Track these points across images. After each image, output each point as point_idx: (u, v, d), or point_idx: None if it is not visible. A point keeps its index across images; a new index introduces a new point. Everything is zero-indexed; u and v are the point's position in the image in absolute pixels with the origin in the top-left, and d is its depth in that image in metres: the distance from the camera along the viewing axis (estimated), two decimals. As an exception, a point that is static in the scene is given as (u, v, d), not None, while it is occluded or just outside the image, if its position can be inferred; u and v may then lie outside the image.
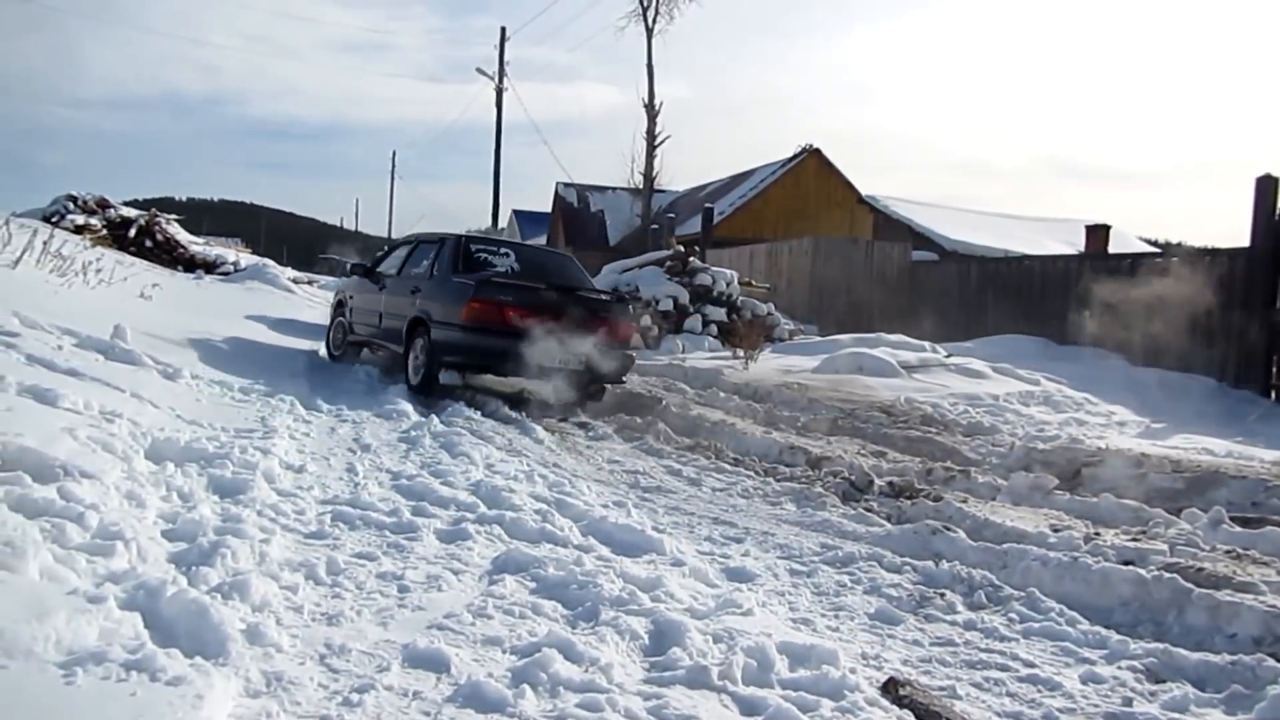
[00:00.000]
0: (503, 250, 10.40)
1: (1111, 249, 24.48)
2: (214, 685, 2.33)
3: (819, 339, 16.33)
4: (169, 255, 28.82)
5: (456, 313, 8.96)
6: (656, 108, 32.35)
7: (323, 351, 11.89)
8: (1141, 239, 29.61)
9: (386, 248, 12.88)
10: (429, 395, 8.93)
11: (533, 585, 3.56)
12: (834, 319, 19.18)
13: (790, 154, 35.00)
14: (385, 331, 10.39)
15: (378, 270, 11.31)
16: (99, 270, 12.53)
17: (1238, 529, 5.28)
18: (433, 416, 7.23)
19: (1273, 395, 12.02)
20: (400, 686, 2.62)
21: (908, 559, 4.53)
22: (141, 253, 27.53)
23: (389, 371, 10.28)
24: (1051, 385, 11.61)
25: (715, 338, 16.08)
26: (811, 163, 34.19)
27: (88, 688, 2.20)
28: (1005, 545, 4.66)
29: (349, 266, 12.51)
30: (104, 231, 27.69)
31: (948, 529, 4.94)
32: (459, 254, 9.82)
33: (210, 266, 29.07)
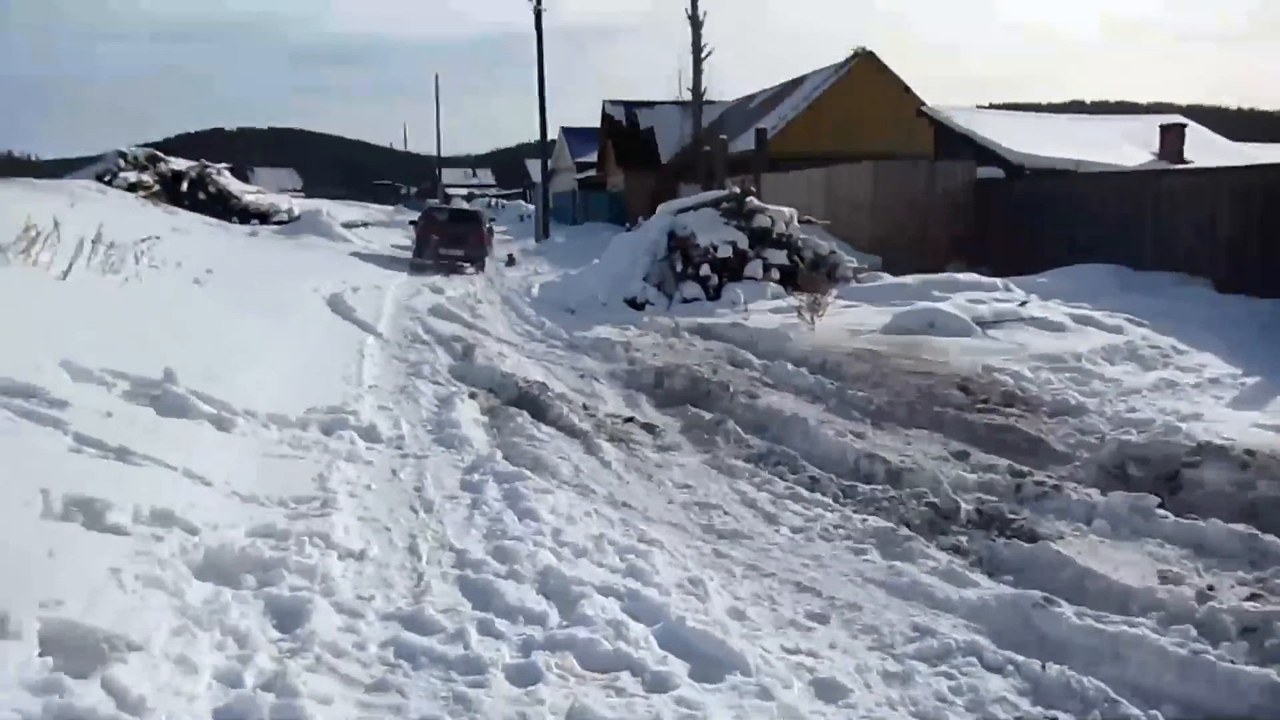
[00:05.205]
0: (450, 204, 30.45)
1: (1189, 149, 23.24)
2: None
3: (885, 278, 15.73)
4: (223, 206, 28.86)
5: (418, 229, 24.08)
6: (701, 19, 31.05)
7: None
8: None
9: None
10: (419, 266, 21.64)
11: (610, 750, 3.32)
12: (900, 248, 18.42)
13: (842, 58, 33.54)
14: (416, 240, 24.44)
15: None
16: (151, 259, 12.43)
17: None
18: (496, 452, 6.97)
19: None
20: None
21: (1009, 653, 4.20)
22: (195, 206, 27.59)
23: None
24: (1136, 333, 11.00)
25: (777, 283, 15.55)
26: (865, 67, 32.72)
27: None
28: (1116, 630, 4.30)
29: (426, 205, 29.90)
30: (157, 187, 27.80)
31: (1049, 600, 4.60)
32: (430, 208, 26.44)
33: (264, 216, 29.08)
